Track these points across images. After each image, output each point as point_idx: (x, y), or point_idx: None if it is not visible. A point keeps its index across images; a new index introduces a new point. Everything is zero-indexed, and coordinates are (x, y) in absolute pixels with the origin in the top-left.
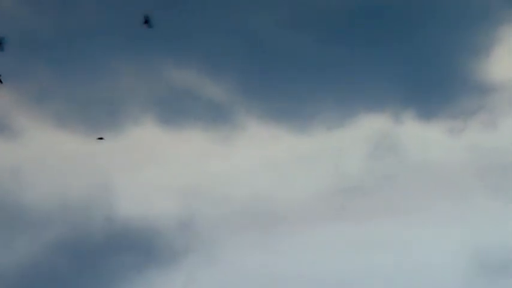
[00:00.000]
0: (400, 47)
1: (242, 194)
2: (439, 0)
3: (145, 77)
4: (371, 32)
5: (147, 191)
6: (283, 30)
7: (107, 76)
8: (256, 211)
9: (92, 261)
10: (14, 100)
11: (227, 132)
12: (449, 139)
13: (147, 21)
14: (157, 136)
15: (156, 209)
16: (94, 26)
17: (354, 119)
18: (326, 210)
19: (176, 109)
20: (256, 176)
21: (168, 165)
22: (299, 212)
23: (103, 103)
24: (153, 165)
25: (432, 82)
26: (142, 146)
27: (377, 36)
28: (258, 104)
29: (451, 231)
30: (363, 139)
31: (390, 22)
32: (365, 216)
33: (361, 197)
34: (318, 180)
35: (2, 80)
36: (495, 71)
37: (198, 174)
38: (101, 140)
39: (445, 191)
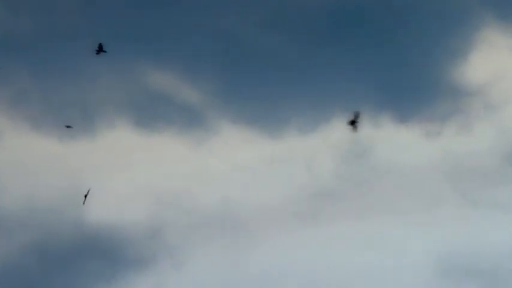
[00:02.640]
0: (375, 51)
1: (214, 199)
2: (415, 3)
3: (120, 80)
4: (346, 36)
5: (120, 195)
6: (257, 33)
7: (82, 79)
8: (227, 216)
9: (60, 265)
10: None
11: (200, 136)
12: (425, 143)
13: (100, 49)
14: (132, 139)
15: (128, 214)
16: (70, 28)
17: (328, 122)
18: (298, 215)
19: (151, 112)
20: (229, 180)
21: (142, 169)
22: (271, 216)
23: (78, 106)
24: (127, 169)
25: (408, 86)
26: (117, 150)
27: (352, 39)
28: (231, 108)
29: (424, 235)
30: (337, 143)
31: (366, 25)
32: (337, 220)
33: (334, 201)
34: (291, 184)
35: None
36: (471, 75)
37: (171, 178)
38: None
39: (420, 195)
